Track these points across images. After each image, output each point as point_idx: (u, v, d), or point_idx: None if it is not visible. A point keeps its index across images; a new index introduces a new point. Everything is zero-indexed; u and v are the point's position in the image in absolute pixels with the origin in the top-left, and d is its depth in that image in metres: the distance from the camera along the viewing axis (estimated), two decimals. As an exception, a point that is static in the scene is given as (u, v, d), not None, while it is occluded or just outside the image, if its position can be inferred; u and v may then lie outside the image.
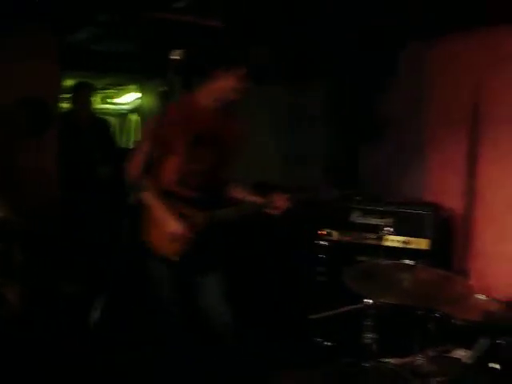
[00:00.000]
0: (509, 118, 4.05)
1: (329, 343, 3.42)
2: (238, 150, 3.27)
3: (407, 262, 2.79)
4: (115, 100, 8.48)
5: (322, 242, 3.54)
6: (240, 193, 3.31)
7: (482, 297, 3.19)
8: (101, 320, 2.89)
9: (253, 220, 3.42)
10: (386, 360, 2.74)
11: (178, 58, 2.63)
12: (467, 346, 2.76)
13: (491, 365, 2.13)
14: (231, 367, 3.20)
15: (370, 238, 3.53)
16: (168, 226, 2.99)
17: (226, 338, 3.17)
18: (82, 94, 5.21)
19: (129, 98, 8.24)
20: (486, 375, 2.29)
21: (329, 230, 4.17)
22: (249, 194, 3.28)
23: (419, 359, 2.69)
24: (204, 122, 3.12)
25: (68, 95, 5.32)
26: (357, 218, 4.14)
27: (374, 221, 4.07)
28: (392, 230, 3.35)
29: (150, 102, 7.11)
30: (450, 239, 4.39)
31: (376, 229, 3.45)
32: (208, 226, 3.07)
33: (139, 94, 7.76)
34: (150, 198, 3.02)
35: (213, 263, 3.21)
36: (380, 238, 3.33)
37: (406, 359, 2.73)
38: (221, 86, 3.10)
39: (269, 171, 5.03)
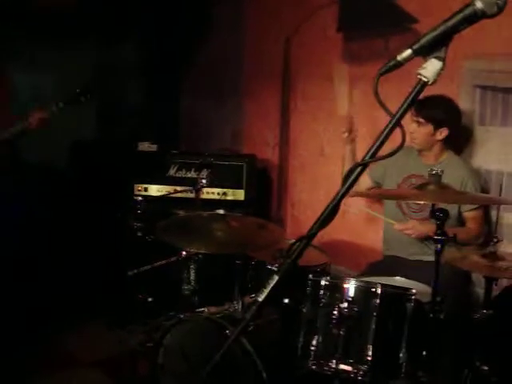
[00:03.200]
0: (315, 72, 4.23)
1: (150, 299, 3.38)
2: None
3: (219, 211, 2.80)
4: None
5: (139, 198, 3.45)
6: None
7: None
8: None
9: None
10: (202, 309, 2.77)
11: None
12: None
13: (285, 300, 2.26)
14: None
15: (187, 192, 3.52)
16: None
17: None
18: None
19: None
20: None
21: (146, 185, 4.13)
22: None
23: (234, 306, 2.75)
24: None
25: None
26: (174, 171, 4.14)
27: (190, 174, 4.09)
28: (209, 182, 3.36)
29: None
30: (266, 189, 4.55)
31: (193, 182, 3.44)
32: None
33: None
34: None
35: None
36: (197, 191, 3.33)
37: (222, 307, 2.78)
38: None
39: (86, 130, 4.80)
